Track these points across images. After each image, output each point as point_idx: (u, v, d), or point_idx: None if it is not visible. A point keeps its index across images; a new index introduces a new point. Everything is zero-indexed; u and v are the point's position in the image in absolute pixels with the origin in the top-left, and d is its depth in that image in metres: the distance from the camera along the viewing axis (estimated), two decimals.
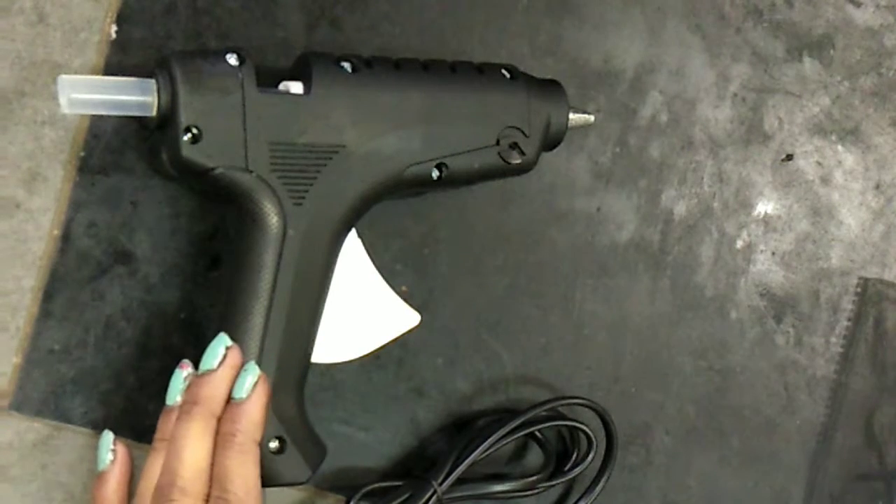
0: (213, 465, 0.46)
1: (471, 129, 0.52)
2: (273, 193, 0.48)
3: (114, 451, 0.49)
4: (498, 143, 0.53)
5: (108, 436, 0.49)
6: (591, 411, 0.57)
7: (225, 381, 0.47)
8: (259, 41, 0.54)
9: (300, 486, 0.55)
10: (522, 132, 0.53)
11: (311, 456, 0.51)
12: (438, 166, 0.52)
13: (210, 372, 0.47)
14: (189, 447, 0.45)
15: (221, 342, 0.47)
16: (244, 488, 0.45)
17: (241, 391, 0.47)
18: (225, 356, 0.47)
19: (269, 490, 0.48)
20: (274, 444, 0.49)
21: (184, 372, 0.48)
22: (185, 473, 0.45)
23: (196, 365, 0.48)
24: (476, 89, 0.53)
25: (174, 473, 0.45)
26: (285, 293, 0.49)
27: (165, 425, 0.47)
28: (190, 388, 0.47)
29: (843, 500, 0.63)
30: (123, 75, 0.52)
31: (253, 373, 0.47)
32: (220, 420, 0.47)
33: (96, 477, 0.49)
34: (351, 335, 0.54)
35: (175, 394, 0.48)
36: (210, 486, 0.45)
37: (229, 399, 0.47)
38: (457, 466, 0.54)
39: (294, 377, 0.50)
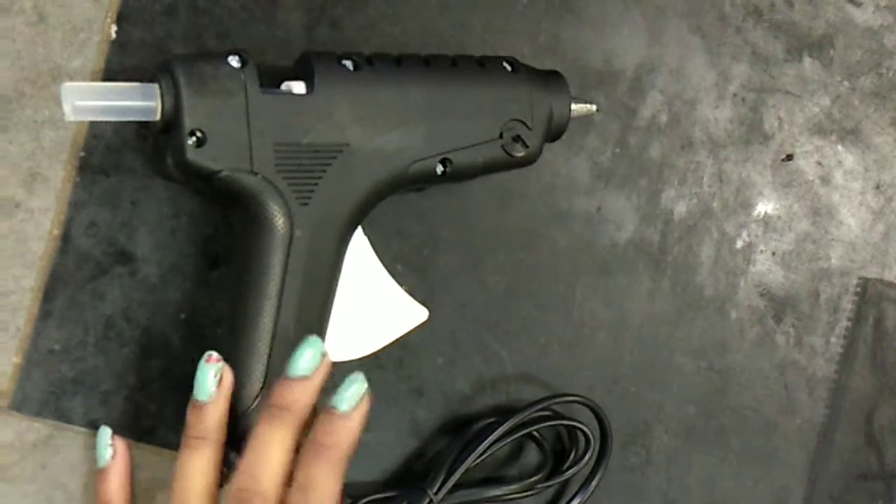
0: (297, 469, 0.45)
1: (474, 123, 0.52)
2: (279, 194, 0.48)
3: (112, 446, 0.49)
4: (501, 136, 0.53)
5: (105, 431, 0.49)
6: (586, 408, 0.57)
7: (318, 389, 0.45)
8: (259, 41, 0.54)
9: None
10: (525, 124, 0.53)
11: None
12: (443, 161, 0.52)
13: (304, 379, 0.45)
14: (275, 455, 0.44)
15: (318, 348, 0.46)
16: (327, 502, 0.44)
17: (346, 404, 0.45)
18: (320, 363, 0.45)
19: None
20: None
21: (213, 365, 0.46)
22: (267, 481, 0.44)
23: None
24: (478, 83, 0.53)
25: (257, 479, 0.44)
26: (294, 294, 0.49)
27: (200, 422, 0.46)
28: (280, 392, 0.45)
29: (843, 500, 0.63)
30: (124, 75, 0.52)
31: (361, 385, 0.45)
32: (307, 425, 0.45)
33: (97, 474, 0.49)
34: (361, 332, 0.54)
35: (208, 388, 0.46)
36: (291, 491, 0.44)
37: (317, 405, 0.46)
38: (452, 473, 0.53)
39: None
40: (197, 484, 0.45)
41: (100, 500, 0.48)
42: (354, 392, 0.45)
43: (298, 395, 0.45)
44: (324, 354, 0.46)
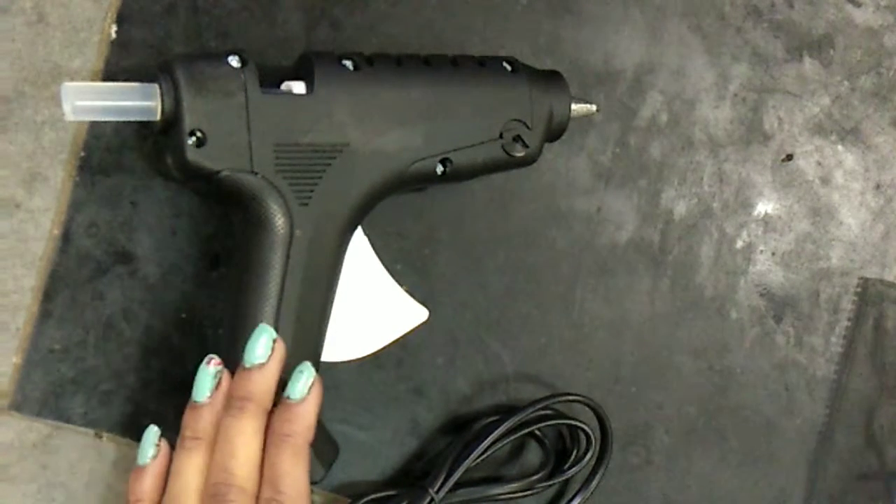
0: (264, 464, 0.46)
1: (474, 123, 0.52)
2: (279, 195, 0.48)
3: (158, 446, 0.48)
4: (501, 136, 0.53)
5: (153, 430, 0.48)
6: (587, 408, 0.57)
7: (275, 375, 0.47)
8: (259, 41, 0.54)
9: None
10: (525, 125, 0.53)
11: (325, 455, 0.51)
12: (443, 161, 0.52)
13: (261, 366, 0.46)
14: (244, 445, 0.45)
15: (269, 334, 0.47)
16: (297, 490, 0.45)
17: (299, 392, 0.47)
18: (273, 349, 0.47)
19: None
20: None
21: (213, 368, 0.47)
22: (241, 472, 0.45)
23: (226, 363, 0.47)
24: (478, 83, 0.53)
25: (230, 472, 0.44)
26: (294, 294, 0.49)
27: (196, 423, 0.46)
28: (240, 383, 0.46)
29: (843, 500, 0.63)
30: (124, 75, 0.52)
31: (310, 374, 0.47)
32: (270, 415, 0.47)
33: (133, 471, 0.48)
34: (360, 332, 0.54)
35: (205, 390, 0.47)
36: (261, 486, 0.45)
37: (279, 395, 0.47)
38: (453, 472, 0.53)
39: None
40: (192, 484, 0.45)
41: (131, 498, 0.48)
42: (305, 380, 0.47)
43: (258, 383, 0.46)
44: (275, 340, 0.47)
